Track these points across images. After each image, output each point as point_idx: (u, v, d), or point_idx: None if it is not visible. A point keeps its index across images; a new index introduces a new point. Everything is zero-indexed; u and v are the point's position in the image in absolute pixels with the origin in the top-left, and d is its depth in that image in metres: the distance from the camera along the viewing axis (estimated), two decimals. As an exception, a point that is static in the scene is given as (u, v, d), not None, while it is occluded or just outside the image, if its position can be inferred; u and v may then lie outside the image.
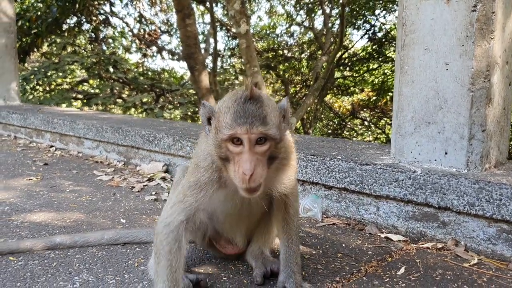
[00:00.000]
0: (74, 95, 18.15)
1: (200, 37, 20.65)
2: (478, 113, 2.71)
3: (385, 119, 19.20)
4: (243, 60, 12.54)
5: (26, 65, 18.44)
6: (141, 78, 18.27)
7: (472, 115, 2.71)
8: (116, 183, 4.08)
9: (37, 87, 17.25)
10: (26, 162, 5.00)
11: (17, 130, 6.71)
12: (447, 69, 2.77)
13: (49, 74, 16.14)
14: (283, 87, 20.73)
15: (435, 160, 2.87)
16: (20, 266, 2.38)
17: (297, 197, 2.30)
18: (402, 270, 2.39)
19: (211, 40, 18.63)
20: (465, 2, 2.66)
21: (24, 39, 15.49)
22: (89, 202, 3.54)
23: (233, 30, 16.19)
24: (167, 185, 4.00)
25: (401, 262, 2.50)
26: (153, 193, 3.80)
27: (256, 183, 1.80)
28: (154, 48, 21.63)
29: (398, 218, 2.91)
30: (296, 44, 20.72)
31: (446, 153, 2.83)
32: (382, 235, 2.88)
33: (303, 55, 20.36)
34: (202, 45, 19.32)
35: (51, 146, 5.87)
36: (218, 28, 20.34)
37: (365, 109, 20.26)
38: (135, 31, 20.76)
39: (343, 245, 2.74)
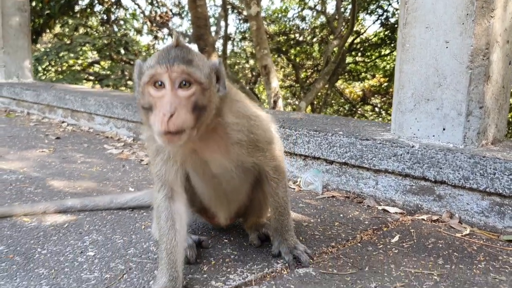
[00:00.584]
0: (85, 76, 18.34)
1: (211, 20, 20.69)
2: (476, 90, 2.79)
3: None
4: (253, 43, 12.59)
5: (38, 45, 18.61)
6: (152, 60, 18.36)
7: (470, 92, 2.79)
8: (126, 156, 4.21)
9: (49, 67, 17.43)
10: (39, 136, 5.15)
11: (30, 106, 6.87)
12: (447, 47, 2.84)
13: (61, 55, 16.32)
14: (293, 71, 20.73)
15: (433, 136, 2.96)
16: (33, 226, 2.52)
17: (279, 170, 2.19)
18: (396, 238, 2.50)
19: (222, 23, 18.66)
20: (466, -19, 2.72)
21: (37, 20, 15.64)
22: (99, 173, 3.68)
23: (244, 12, 16.20)
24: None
25: (396, 231, 2.61)
26: (161, 165, 3.93)
27: (176, 127, 1.65)
28: (165, 30, 21.68)
29: (396, 191, 3.01)
30: (307, 28, 20.65)
31: (444, 129, 2.91)
32: (380, 208, 2.99)
33: (314, 40, 20.29)
34: (213, 28, 19.40)
35: (63, 122, 6.02)
36: (230, 11, 20.35)
37: (376, 95, 20.21)
38: (147, 13, 20.82)
39: (341, 215, 2.85)
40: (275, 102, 11.05)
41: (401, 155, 2.93)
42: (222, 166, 2.05)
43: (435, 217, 2.79)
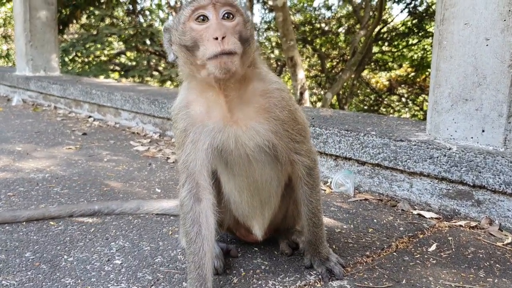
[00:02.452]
0: (111, 67, 18.45)
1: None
2: (519, 90, 2.64)
3: (423, 95, 18.80)
4: (279, 34, 12.44)
5: (65, 36, 18.79)
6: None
7: (512, 92, 2.64)
8: (152, 154, 4.17)
9: (76, 58, 17.57)
10: (66, 131, 5.16)
11: (57, 101, 6.90)
12: (487, 45, 2.69)
13: (87, 46, 16.42)
14: (319, 61, 20.48)
15: (472, 137, 2.82)
16: (60, 231, 2.49)
17: (314, 173, 2.06)
18: (434, 247, 2.39)
19: (248, 13, 18.49)
20: (510, -25, 2.57)
21: (63, 11, 15.77)
22: (125, 172, 3.65)
23: (270, 2, 16.02)
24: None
25: (432, 239, 2.49)
26: (188, 164, 3.87)
27: (230, 46, 1.64)
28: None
29: (431, 195, 2.89)
30: (333, 17, 20.35)
31: (483, 131, 2.77)
32: (415, 212, 2.87)
33: (340, 29, 19.98)
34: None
35: (89, 117, 6.03)
36: (255, 1, 20.18)
37: (402, 85, 19.84)
38: (172, 3, 20.77)
39: (375, 220, 2.74)
40: (301, 94, 10.92)
41: (437, 157, 2.80)
42: (256, 141, 1.87)
43: (473, 224, 2.66)
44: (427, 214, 2.82)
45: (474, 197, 2.70)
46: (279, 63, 19.67)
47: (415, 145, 2.91)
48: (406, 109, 20.45)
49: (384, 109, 20.50)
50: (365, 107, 21.10)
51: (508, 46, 2.61)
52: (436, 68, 2.95)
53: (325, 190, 3.27)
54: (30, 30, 7.87)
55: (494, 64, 2.68)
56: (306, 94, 10.96)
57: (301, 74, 11.11)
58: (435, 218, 2.79)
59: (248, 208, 2.13)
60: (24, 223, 2.59)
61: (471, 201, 2.72)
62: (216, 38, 1.63)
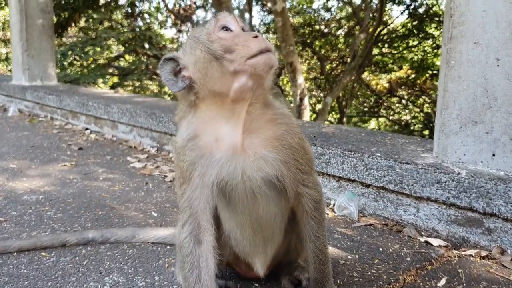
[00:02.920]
0: (110, 71, 18.34)
1: (236, 11, 20.43)
2: (531, 114, 2.53)
3: (424, 97, 18.71)
4: (278, 39, 12.32)
5: (64, 39, 18.69)
6: (176, 54, 18.15)
7: (524, 115, 2.53)
8: (149, 171, 4.05)
9: (75, 62, 17.46)
10: (61, 145, 5.04)
11: (54, 111, 6.78)
12: (498, 65, 2.57)
13: (86, 49, 16.31)
14: (319, 63, 20.37)
15: (481, 161, 2.70)
16: (52, 263, 2.37)
17: (320, 207, 1.96)
18: (443, 281, 2.27)
19: (246, 16, 18.40)
20: (522, -7, 2.45)
21: (62, 14, 15.70)
22: (121, 192, 3.53)
23: (269, 4, 15.90)
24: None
25: (441, 271, 2.37)
26: (186, 183, 3.75)
27: (269, 44, 1.66)
28: (189, 24, 21.53)
29: (439, 221, 2.77)
30: (333, 19, 20.24)
31: (493, 155, 2.66)
32: (422, 239, 2.75)
33: (340, 31, 19.88)
34: (238, 20, 19.12)
35: (86, 129, 5.91)
36: (254, 3, 20.06)
37: (403, 87, 19.73)
38: (171, 5, 20.66)
39: (380, 249, 2.62)
40: (301, 99, 10.80)
41: (445, 182, 2.69)
42: (264, 172, 1.76)
43: (484, 253, 2.55)
44: (435, 242, 2.70)
45: (484, 225, 2.59)
46: (278, 66, 19.55)
47: (422, 168, 2.79)
48: (406, 111, 20.34)
49: (384, 111, 20.39)
50: (365, 109, 20.99)
51: (520, 67, 2.50)
52: (444, 88, 2.83)
53: (328, 214, 3.15)
54: (27, 39, 7.74)
55: (505, 86, 2.56)
56: (306, 100, 10.85)
57: (301, 79, 10.99)
58: (443, 246, 2.67)
59: (250, 245, 2.01)
60: (15, 253, 2.48)
61: (481, 228, 2.60)
62: (256, 37, 1.66)
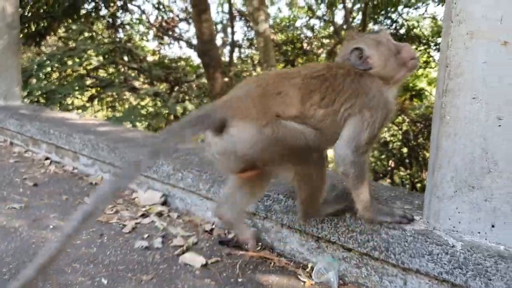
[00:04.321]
0: (88, 83, 17.79)
1: (219, 26, 20.18)
2: (537, 183, 2.20)
3: (403, 116, 18.70)
4: (260, 59, 12.05)
5: (43, 48, 18.20)
6: (156, 68, 17.77)
7: (529, 183, 2.20)
8: (106, 219, 3.61)
9: (52, 72, 16.93)
10: (15, 180, 4.57)
11: (14, 136, 6.30)
12: (499, 125, 2.24)
13: (64, 60, 15.82)
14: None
15: (479, 232, 2.35)
16: None
17: None
18: None
19: (229, 30, 18.16)
20: (529, 46, 2.13)
21: (41, 23, 15.32)
22: (70, 247, 3.09)
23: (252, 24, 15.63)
24: (162, 224, 3.52)
25: None
26: (145, 236, 3.32)
27: (415, 53, 2.72)
28: (171, 36, 21.18)
29: (430, 298, 2.42)
30: (315, 37, 20.13)
31: (493, 226, 2.31)
32: (410, 320, 2.39)
33: (322, 50, 19.78)
34: (220, 35, 18.94)
35: (47, 158, 5.44)
36: (237, 18, 19.80)
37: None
38: (153, 17, 20.25)
39: (363, 335, 2.25)
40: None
41: (437, 254, 2.34)
42: None
43: None
44: (426, 324, 2.34)
45: (483, 309, 2.24)
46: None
47: (410, 236, 2.44)
48: (385, 129, 20.21)
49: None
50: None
51: (526, 129, 2.17)
52: (437, 145, 2.49)
53: (304, 282, 2.77)
54: (-10, 56, 7.27)
55: (507, 149, 2.23)
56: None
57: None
58: (436, 330, 2.31)
59: None
60: None
61: (479, 312, 2.25)
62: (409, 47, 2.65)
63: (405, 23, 16.58)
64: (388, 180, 17.34)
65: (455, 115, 2.39)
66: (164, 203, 3.90)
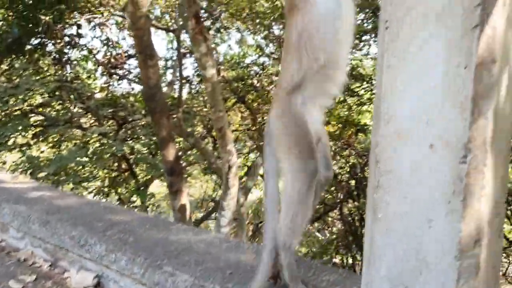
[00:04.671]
0: (32, 122, 17.18)
1: (169, 63, 20.06)
2: (467, 286, 2.17)
3: (350, 150, 19.13)
4: (208, 104, 12.01)
5: (-15, 84, 17.52)
6: (103, 107, 17.40)
7: None
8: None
9: (-8, 111, 16.25)
10: None
11: None
12: (430, 227, 2.22)
13: (5, 99, 15.26)
14: (251, 116, 20.35)
15: (415, 335, 2.31)
16: None
17: None
18: None
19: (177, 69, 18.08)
20: (452, 151, 2.12)
21: (-17, 58, 14.80)
22: None
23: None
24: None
25: None
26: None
27: None
28: (120, 72, 20.86)
29: None
30: (265, 74, 20.40)
31: (428, 328, 2.27)
32: None
33: (271, 86, 20.04)
34: (170, 71, 18.86)
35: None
36: (188, 55, 19.76)
37: (330, 140, 20.01)
38: (102, 54, 19.85)
39: None
40: (229, 168, 10.38)
41: None
42: None
43: None
44: None
45: None
46: (203, 130, 19.25)
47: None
48: (334, 162, 20.51)
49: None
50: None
51: (454, 233, 2.15)
52: (371, 241, 2.45)
53: None
54: None
55: (437, 252, 2.20)
56: (234, 168, 10.43)
57: (231, 145, 10.61)
58: None
59: None
60: None
61: None
62: None
63: (350, 63, 17.04)
64: (338, 213, 17.43)
65: (386, 211, 2.36)
66: (97, 285, 3.69)
